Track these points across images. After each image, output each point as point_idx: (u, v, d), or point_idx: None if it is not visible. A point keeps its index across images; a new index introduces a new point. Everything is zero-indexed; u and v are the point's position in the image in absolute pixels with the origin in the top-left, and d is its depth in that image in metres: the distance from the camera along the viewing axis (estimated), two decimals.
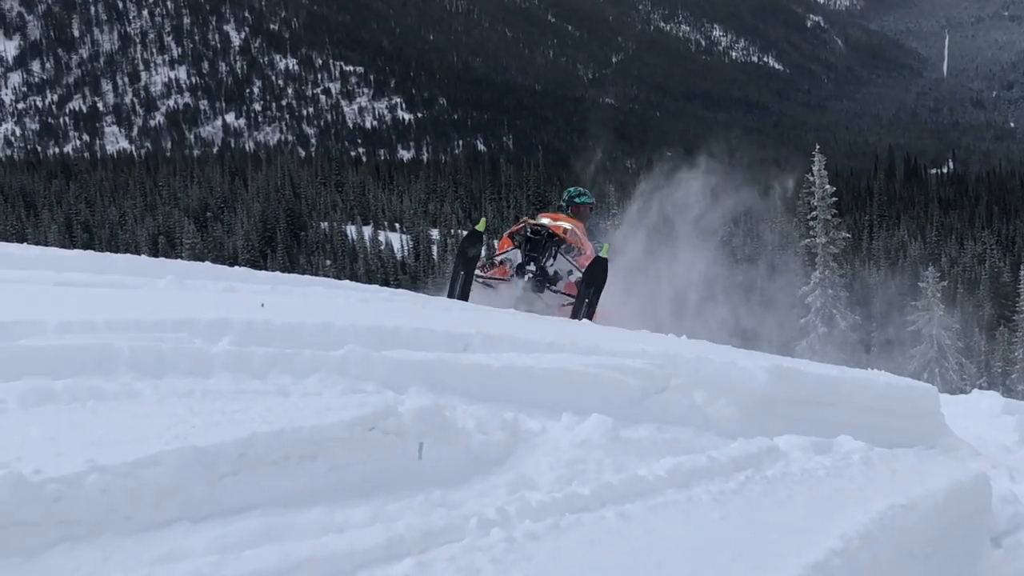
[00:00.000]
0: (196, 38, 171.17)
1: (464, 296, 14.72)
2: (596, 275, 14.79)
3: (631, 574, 4.27)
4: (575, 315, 14.35)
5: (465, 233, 15.49)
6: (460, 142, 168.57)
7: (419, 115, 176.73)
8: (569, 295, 15.46)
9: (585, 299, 14.66)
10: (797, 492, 5.43)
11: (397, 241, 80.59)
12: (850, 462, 6.05)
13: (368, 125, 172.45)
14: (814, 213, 36.03)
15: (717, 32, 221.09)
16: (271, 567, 3.90)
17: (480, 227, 15.65)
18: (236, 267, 13.69)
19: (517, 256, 15.67)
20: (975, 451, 9.87)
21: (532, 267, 15.40)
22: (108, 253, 11.97)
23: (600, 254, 15.19)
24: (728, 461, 5.74)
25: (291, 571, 3.92)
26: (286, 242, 73.60)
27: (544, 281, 15.43)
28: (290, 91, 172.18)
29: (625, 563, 4.35)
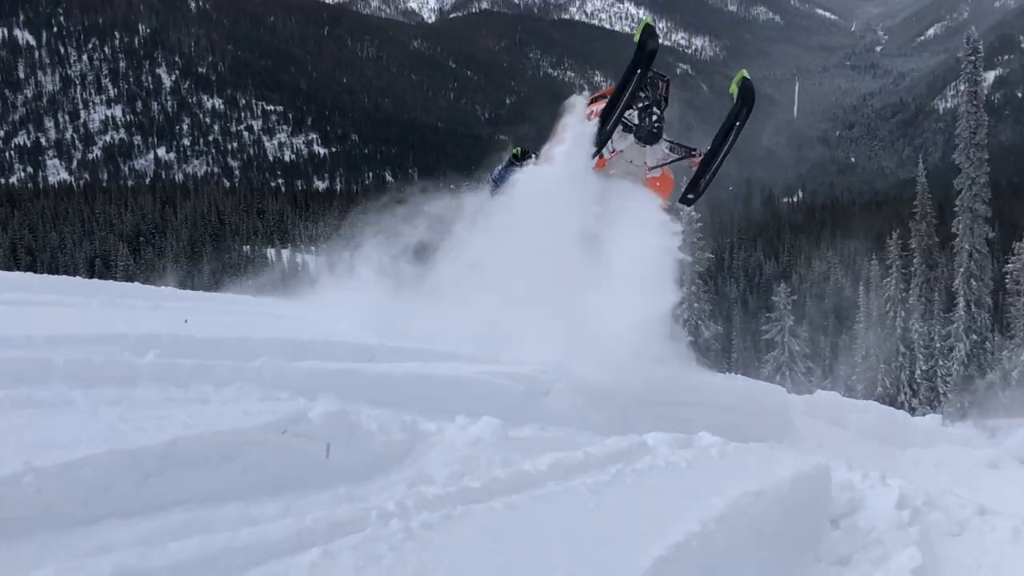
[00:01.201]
0: (131, 80, 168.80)
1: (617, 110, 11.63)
2: (749, 94, 12.69)
3: (517, 557, 4.26)
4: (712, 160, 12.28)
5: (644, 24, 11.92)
6: (370, 174, 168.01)
7: (333, 149, 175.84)
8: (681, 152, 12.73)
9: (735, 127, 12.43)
10: (662, 482, 5.47)
11: (312, 262, 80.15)
12: (709, 455, 6.12)
13: (287, 158, 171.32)
14: (682, 236, 36.57)
15: (598, 77, 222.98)
16: (192, 558, 3.84)
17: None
18: (164, 287, 13.53)
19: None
20: (818, 444, 10.03)
21: (655, 112, 12.25)
22: (47, 275, 11.80)
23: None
24: (603, 456, 5.76)
25: (209, 561, 3.86)
26: (211, 264, 72.80)
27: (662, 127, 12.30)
28: (216, 128, 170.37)
29: (511, 547, 4.34)
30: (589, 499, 5.04)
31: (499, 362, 7.47)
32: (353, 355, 7.19)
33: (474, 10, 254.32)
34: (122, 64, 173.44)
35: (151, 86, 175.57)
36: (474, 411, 6.20)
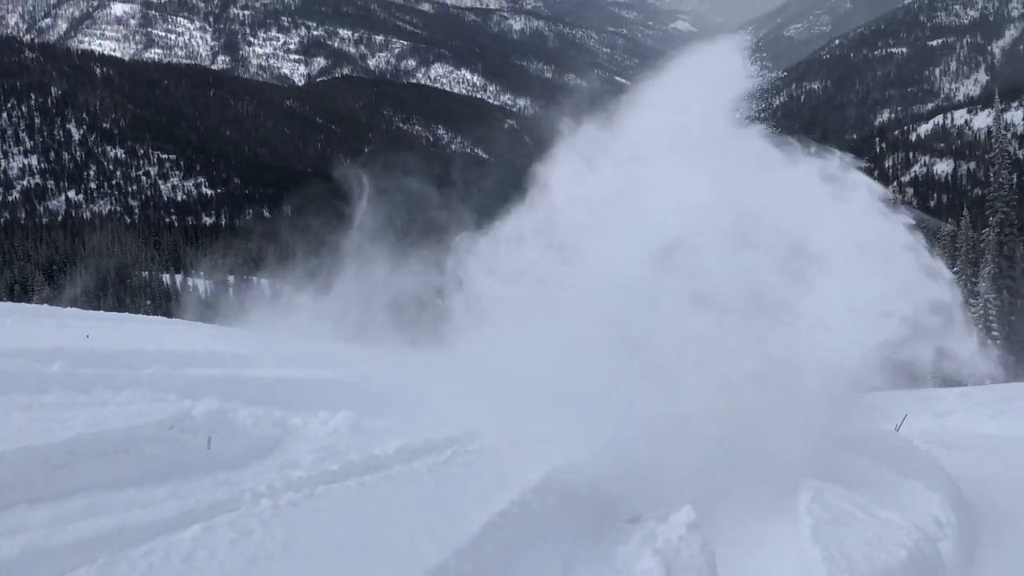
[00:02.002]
0: (44, 134, 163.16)
1: None
2: None
3: (368, 525, 4.34)
4: None
5: None
6: (250, 211, 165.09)
7: (218, 191, 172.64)
8: None
9: None
10: (489, 462, 5.58)
11: (202, 285, 78.12)
12: (528, 438, 6.22)
13: (179, 198, 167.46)
14: None
15: (441, 131, 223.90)
16: (91, 536, 3.81)
17: None
18: (70, 308, 13.25)
19: None
20: None
21: None
22: None
23: None
24: (441, 441, 5.84)
25: (107, 539, 3.84)
26: (115, 288, 70.43)
27: None
28: (119, 173, 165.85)
29: (364, 518, 4.41)
30: (429, 477, 5.14)
31: (355, 363, 7.50)
32: (232, 362, 7.13)
33: (337, 75, 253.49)
34: (37, 120, 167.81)
35: (62, 139, 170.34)
36: (335, 407, 6.22)
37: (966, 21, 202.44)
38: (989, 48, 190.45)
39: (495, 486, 4.96)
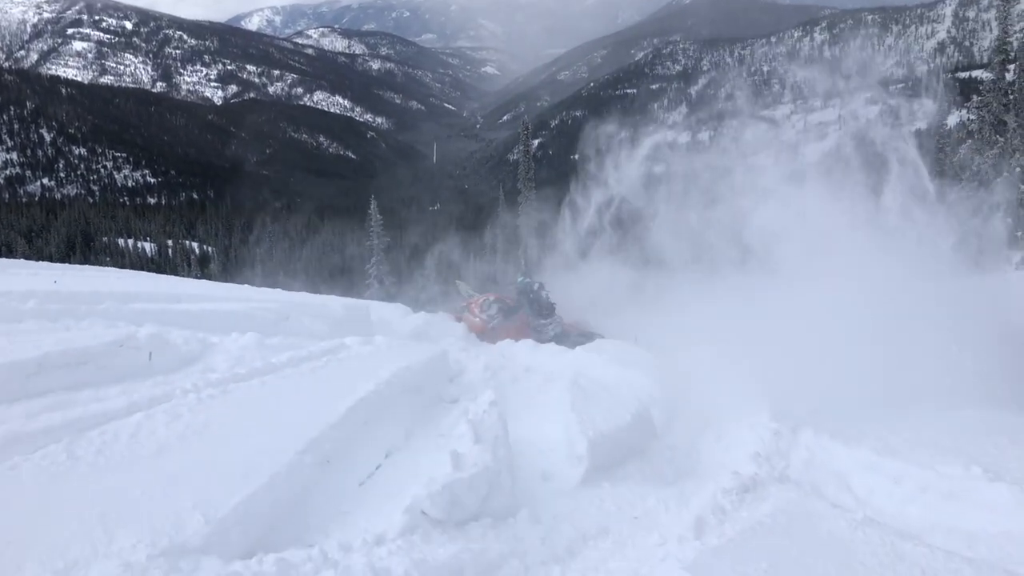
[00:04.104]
0: (23, 136, 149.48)
1: None
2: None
3: (266, 409, 4.21)
4: None
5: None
6: (183, 194, 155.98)
7: (159, 179, 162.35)
8: None
9: None
10: (355, 365, 5.49)
11: (148, 247, 73.23)
12: (380, 348, 6.17)
13: (130, 184, 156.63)
14: (372, 228, 36.06)
15: (322, 139, 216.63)
16: (58, 423, 3.56)
17: None
18: (42, 262, 12.21)
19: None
20: (442, 336, 10.23)
21: None
22: None
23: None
24: (319, 351, 5.70)
25: (70, 424, 3.59)
26: (81, 250, 65.41)
27: None
28: (82, 166, 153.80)
29: (264, 405, 4.30)
30: (311, 377, 5.02)
31: (259, 300, 7.18)
32: (168, 299, 6.69)
33: (246, 98, 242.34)
34: (16, 126, 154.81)
35: (36, 140, 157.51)
36: (244, 329, 5.97)
37: (674, 72, 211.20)
38: (688, 90, 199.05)
39: (358, 381, 4.89)
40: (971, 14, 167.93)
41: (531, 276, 13.49)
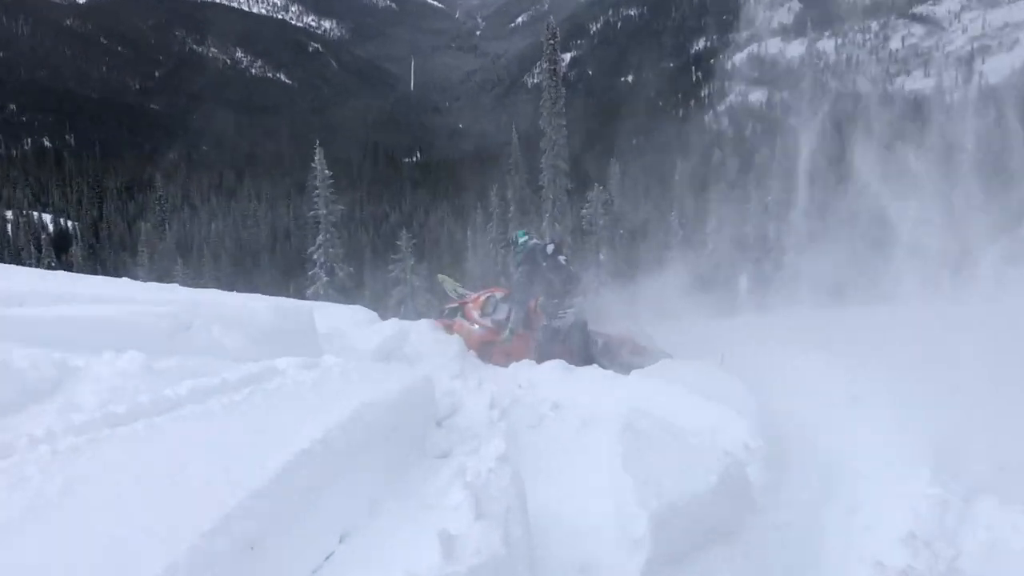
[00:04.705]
0: None
1: None
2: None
3: (157, 469, 4.16)
4: None
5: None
6: (29, 140, 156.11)
7: None
8: None
9: None
10: (290, 399, 5.46)
11: None
12: (331, 374, 6.15)
13: None
14: (317, 191, 36.12)
15: (239, 53, 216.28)
16: None
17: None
18: None
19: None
20: (425, 357, 10.28)
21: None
22: None
23: None
24: (237, 380, 5.67)
25: None
26: None
27: None
28: None
29: (153, 461, 4.24)
30: (224, 418, 4.98)
31: (143, 301, 7.18)
32: (3, 302, 6.69)
33: None
34: None
35: None
36: (121, 346, 5.94)
37: None
38: None
39: (297, 425, 4.86)
40: None
41: (538, 234, 13.48)
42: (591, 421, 6.84)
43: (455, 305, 13.36)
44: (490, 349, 12.18)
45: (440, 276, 15.11)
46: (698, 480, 5.26)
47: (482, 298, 13.03)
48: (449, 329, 12.43)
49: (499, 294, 13.25)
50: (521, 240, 12.99)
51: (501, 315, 12.74)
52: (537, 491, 5.07)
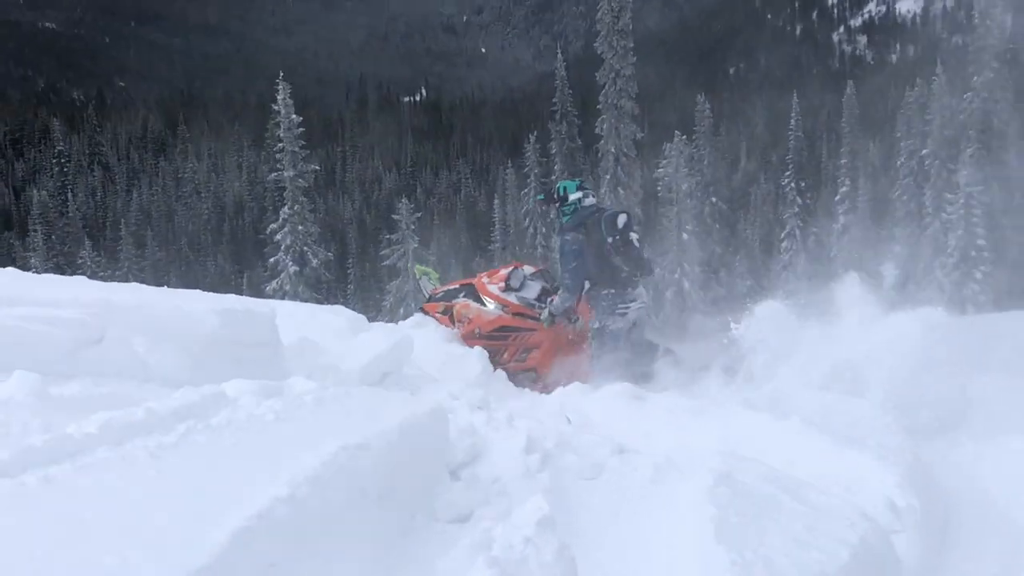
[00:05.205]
0: None
1: None
2: None
3: (51, 543, 4.16)
4: None
5: None
6: None
7: None
8: None
9: None
10: (243, 439, 5.46)
11: None
12: (301, 404, 6.15)
13: None
14: (280, 145, 35.93)
15: None
16: None
17: None
18: None
19: None
20: (433, 379, 10.31)
21: None
22: None
23: None
24: (168, 412, 5.68)
25: None
26: None
27: None
28: None
29: (44, 532, 4.22)
30: (150, 465, 4.97)
31: (34, 303, 7.21)
32: None
33: None
34: None
35: None
36: (4, 365, 5.97)
37: None
38: None
39: (253, 476, 4.86)
40: None
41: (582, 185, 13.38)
42: (670, 471, 6.80)
43: (456, 286, 13.36)
44: (508, 340, 12.23)
45: (418, 268, 15.06)
46: (823, 556, 5.24)
47: (506, 273, 13.05)
48: (446, 317, 12.51)
49: (529, 268, 13.28)
50: (573, 196, 12.85)
51: (531, 293, 12.76)
52: (593, 572, 5.05)
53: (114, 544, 4.20)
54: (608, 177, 35.33)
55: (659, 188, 38.35)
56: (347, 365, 9.76)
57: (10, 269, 10.90)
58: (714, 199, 44.47)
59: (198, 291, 10.74)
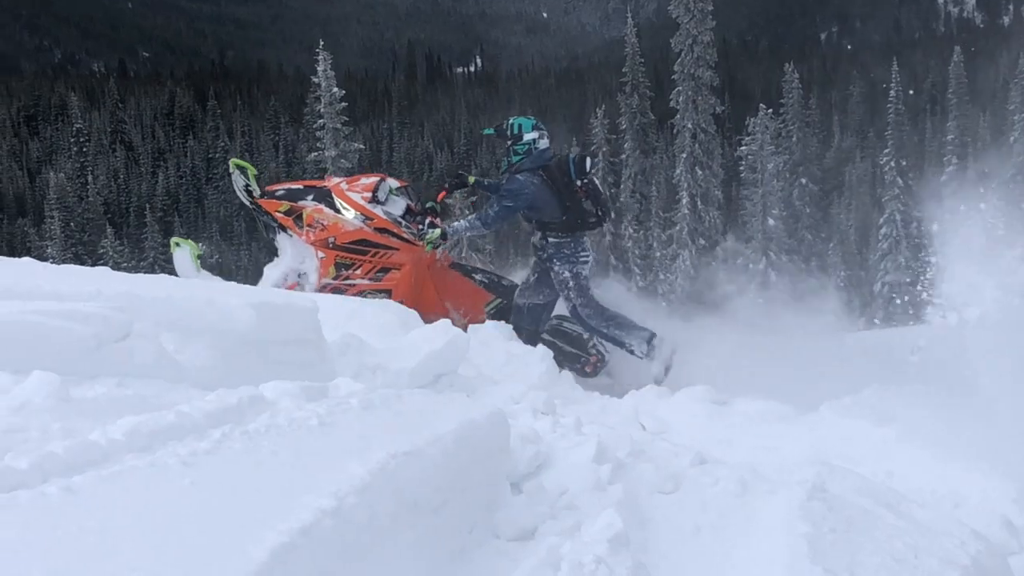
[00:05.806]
0: None
1: None
2: None
3: (74, 560, 4.20)
4: None
5: None
6: None
7: None
8: None
9: None
10: (283, 446, 5.48)
11: None
12: (347, 407, 6.16)
13: None
14: (321, 122, 35.96)
15: None
16: None
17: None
18: None
19: None
20: (492, 380, 10.30)
21: None
22: None
23: None
24: (202, 416, 5.71)
25: None
26: None
27: None
28: None
29: (67, 548, 4.26)
30: (183, 475, 5.00)
31: (54, 297, 7.25)
32: None
33: None
34: None
35: None
36: (21, 365, 6.02)
37: None
38: None
39: (294, 486, 4.87)
40: None
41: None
42: (757, 484, 6.77)
43: (300, 186, 13.46)
44: (366, 256, 12.39)
45: (233, 161, 14.84)
46: None
47: (366, 179, 13.19)
48: (289, 219, 12.62)
49: (394, 181, 13.40)
50: (528, 136, 13.18)
51: (397, 209, 12.91)
52: None
53: (143, 561, 4.23)
54: (684, 155, 35.13)
55: (742, 168, 38.19)
56: (397, 365, 9.77)
57: (26, 259, 11.00)
58: (804, 180, 44.23)
59: (232, 284, 10.82)
